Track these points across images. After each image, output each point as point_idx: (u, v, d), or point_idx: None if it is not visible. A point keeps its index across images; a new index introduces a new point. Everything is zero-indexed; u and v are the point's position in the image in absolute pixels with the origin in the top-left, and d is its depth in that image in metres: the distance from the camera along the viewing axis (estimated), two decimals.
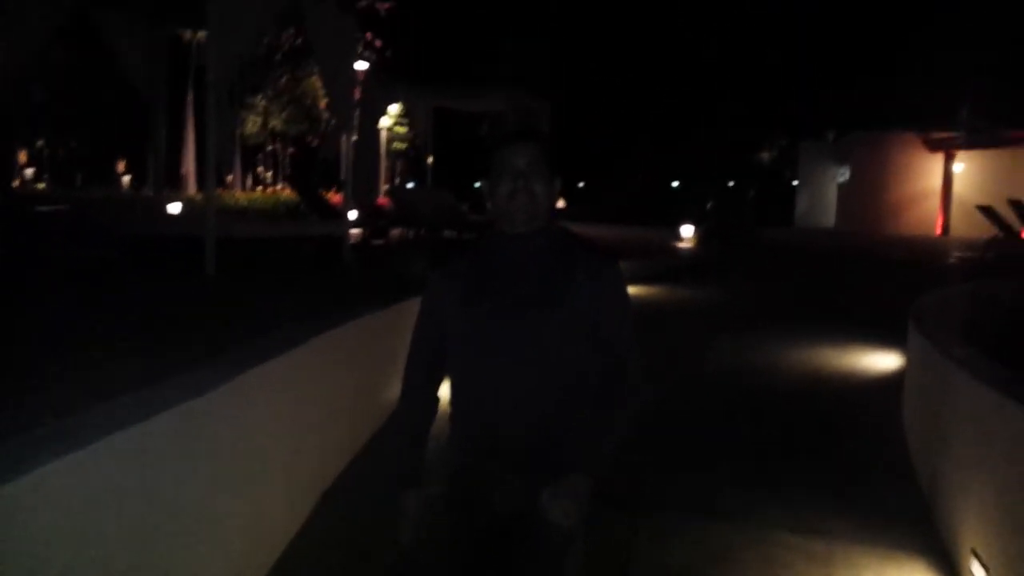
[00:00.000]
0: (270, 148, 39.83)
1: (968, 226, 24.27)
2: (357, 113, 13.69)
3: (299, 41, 27.62)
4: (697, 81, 39.02)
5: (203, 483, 2.80)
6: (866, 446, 5.29)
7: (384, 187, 21.97)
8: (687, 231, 21.42)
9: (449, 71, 34.74)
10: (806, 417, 5.93)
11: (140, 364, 3.76)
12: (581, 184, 48.01)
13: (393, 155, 31.84)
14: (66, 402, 3.05)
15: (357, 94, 13.74)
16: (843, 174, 32.87)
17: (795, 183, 37.77)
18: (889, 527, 3.89)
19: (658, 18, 43.04)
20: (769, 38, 38.53)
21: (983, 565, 3.07)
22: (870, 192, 29.47)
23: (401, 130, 31.42)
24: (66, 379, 3.57)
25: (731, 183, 29.74)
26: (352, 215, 12.48)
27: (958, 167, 27.57)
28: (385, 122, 23.27)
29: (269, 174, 41.33)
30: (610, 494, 2.03)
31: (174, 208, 19.27)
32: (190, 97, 31.13)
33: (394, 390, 5.62)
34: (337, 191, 22.68)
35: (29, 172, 36.24)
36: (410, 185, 28.94)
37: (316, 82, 30.22)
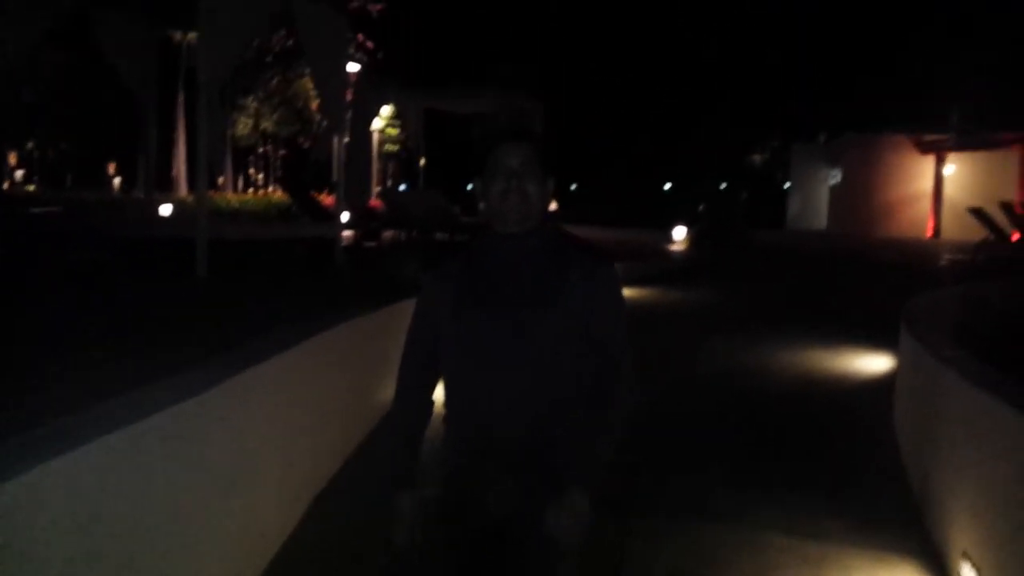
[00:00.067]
0: (261, 150, 39.77)
1: (959, 228, 24.36)
2: (349, 115, 13.67)
3: (290, 43, 27.61)
4: (691, 83, 39.13)
5: (196, 485, 2.79)
6: (858, 448, 5.30)
7: (376, 189, 21.95)
8: (679, 233, 21.47)
9: (441, 73, 34.77)
10: (798, 419, 5.94)
11: (132, 366, 3.75)
12: (574, 186, 48.08)
13: (385, 157, 31.83)
14: (59, 403, 3.04)
15: (349, 96, 13.73)
16: (835, 176, 32.98)
17: (787, 185, 37.90)
18: (881, 529, 3.91)
19: (653, 19, 43.17)
20: (761, 41, 38.67)
21: (974, 567, 3.09)
22: (862, 194, 29.58)
23: (393, 132, 31.42)
24: (59, 380, 3.55)
25: (723, 185, 29.82)
26: (344, 217, 12.45)
27: (949, 169, 27.69)
28: (377, 124, 23.26)
29: (260, 176, 41.25)
30: (603, 496, 2.03)
31: (165, 210, 19.23)
32: (181, 99, 31.11)
33: (386, 392, 5.63)
34: (329, 193, 22.64)
35: (19, 174, 36.10)
36: (402, 187, 28.94)
37: (307, 84, 30.23)
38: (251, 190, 37.83)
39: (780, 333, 9.03)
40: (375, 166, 23.19)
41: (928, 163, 28.23)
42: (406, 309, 5.98)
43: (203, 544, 2.87)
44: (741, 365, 7.62)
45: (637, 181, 44.58)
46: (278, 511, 3.67)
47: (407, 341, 2.15)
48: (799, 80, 38.20)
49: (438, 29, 37.63)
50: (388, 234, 15.84)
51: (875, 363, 7.57)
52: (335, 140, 12.08)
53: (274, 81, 31.88)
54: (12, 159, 39.09)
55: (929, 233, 27.62)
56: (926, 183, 28.21)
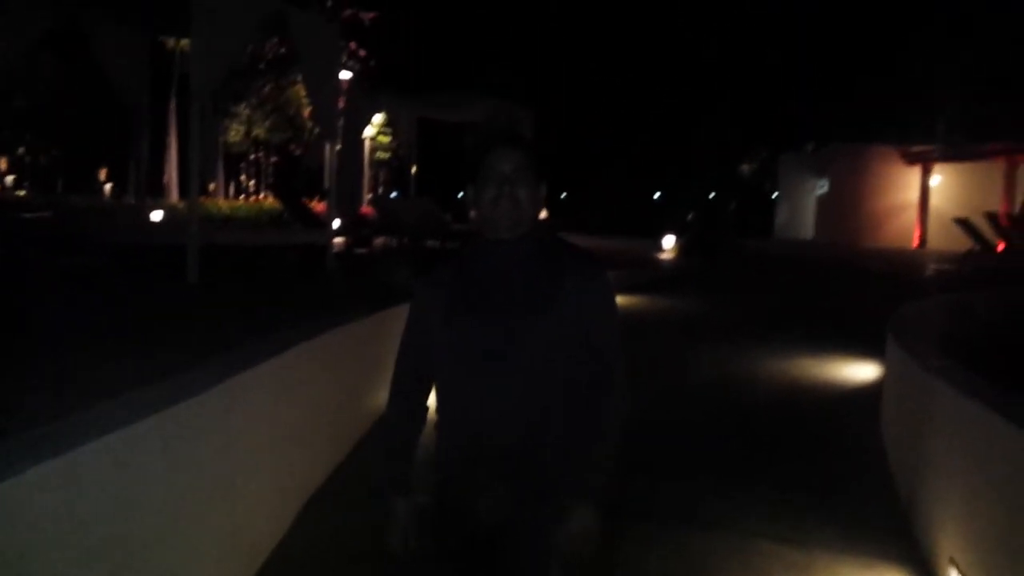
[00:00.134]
0: (253, 157, 39.69)
1: (945, 239, 24.54)
2: (341, 122, 13.69)
3: (283, 50, 27.61)
4: (682, 90, 39.30)
5: (189, 488, 2.80)
6: (845, 456, 5.34)
7: (367, 196, 21.95)
8: (668, 242, 21.54)
9: (433, 81, 34.82)
10: (787, 427, 5.98)
11: (125, 370, 3.76)
12: (564, 195, 48.15)
13: (376, 164, 31.83)
14: (53, 405, 3.05)
15: (341, 103, 13.75)
16: (822, 186, 33.17)
17: (775, 195, 38.09)
18: (868, 536, 3.94)
19: (644, 26, 43.35)
20: (759, 42, 38.91)
21: (961, 573, 3.13)
22: (848, 204, 29.74)
23: (384, 140, 31.45)
24: (52, 383, 3.56)
25: (712, 195, 29.94)
26: (335, 224, 12.46)
27: (935, 180, 27.89)
28: (369, 132, 23.27)
29: (252, 183, 41.16)
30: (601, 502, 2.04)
31: (156, 216, 19.17)
32: (172, 105, 31.06)
33: (378, 397, 5.65)
34: (320, 200, 22.63)
35: (9, 179, 35.92)
36: (393, 194, 28.94)
37: (300, 91, 30.21)
38: (242, 197, 37.73)
39: (768, 341, 9.08)
40: (366, 173, 23.18)
41: (914, 174, 28.42)
42: (398, 315, 6.03)
43: (196, 546, 2.89)
44: (730, 373, 7.66)
45: (627, 190, 44.70)
46: (271, 515, 3.68)
47: (400, 347, 2.15)
48: (798, 81, 38.39)
49: (431, 38, 37.70)
50: (379, 241, 15.85)
51: (862, 371, 7.62)
52: (327, 147, 12.09)
53: (266, 88, 31.86)
54: (3, 164, 38.91)
55: (915, 243, 27.80)
56: (912, 193, 28.40)
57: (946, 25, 26.38)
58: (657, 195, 45.91)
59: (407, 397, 2.13)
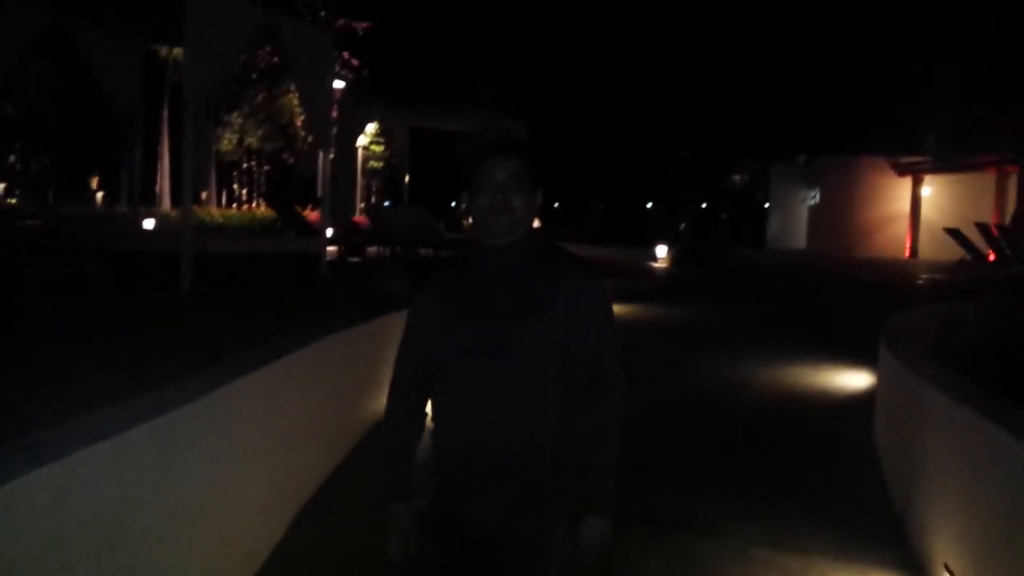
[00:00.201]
0: (245, 166, 39.66)
1: (936, 249, 24.65)
2: (334, 131, 13.71)
3: (275, 59, 27.62)
4: (678, 97, 39.46)
5: (181, 495, 2.79)
6: (839, 463, 5.36)
7: (360, 205, 21.95)
8: (661, 251, 21.60)
9: (426, 91, 34.87)
10: (780, 434, 5.99)
11: (118, 378, 3.75)
12: (556, 204, 48.25)
13: (369, 173, 31.83)
14: (46, 413, 3.04)
15: (335, 113, 13.77)
16: (813, 197, 33.35)
17: (767, 205, 38.26)
18: (863, 542, 3.95)
19: (641, 31, 43.54)
20: (749, 53, 39.12)
21: None
22: (840, 215, 29.90)
23: (377, 149, 31.46)
24: (45, 391, 3.54)
25: (704, 205, 30.01)
26: (329, 232, 12.46)
27: (926, 191, 28.05)
28: (361, 141, 23.29)
29: (244, 191, 41.12)
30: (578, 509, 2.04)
31: (149, 224, 19.12)
32: (165, 114, 31.04)
33: (372, 404, 5.64)
34: (313, 209, 22.63)
35: (0, 188, 35.81)
36: (386, 203, 28.95)
37: (292, 100, 30.21)
38: (235, 205, 37.68)
39: (762, 350, 9.10)
40: (359, 182, 23.20)
41: (905, 185, 28.59)
42: (391, 323, 6.04)
43: (190, 553, 2.87)
44: (724, 381, 7.67)
45: (620, 199, 44.82)
46: (265, 521, 3.67)
47: (398, 353, 2.15)
48: (797, 82, 38.55)
49: (424, 48, 37.77)
50: (372, 249, 15.85)
51: (855, 380, 7.64)
52: (320, 156, 12.10)
53: (259, 97, 31.85)
54: None
55: (907, 253, 27.93)
56: (903, 204, 28.56)
57: (940, 32, 26.57)
58: (649, 205, 46.03)
59: (406, 401, 2.13)
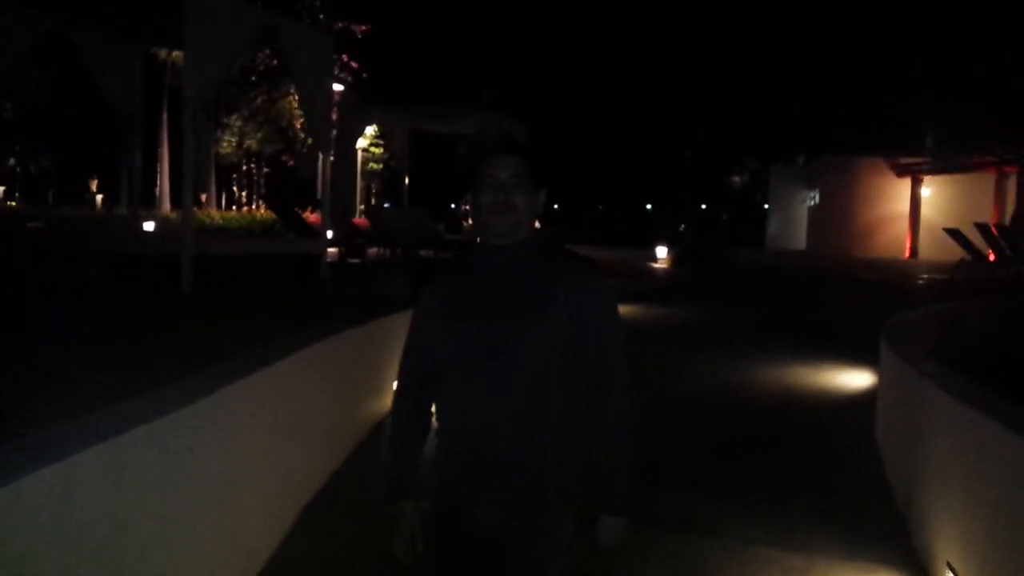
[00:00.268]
0: (245, 168, 39.68)
1: (936, 249, 24.67)
2: (334, 134, 13.71)
3: (274, 62, 27.65)
4: (678, 96, 39.57)
5: (184, 496, 2.79)
6: (841, 461, 5.36)
7: (360, 207, 21.96)
8: (662, 252, 21.61)
9: (425, 92, 34.90)
10: (781, 433, 5.99)
11: (120, 379, 3.75)
12: (556, 205, 48.29)
13: (369, 175, 31.86)
14: (47, 414, 3.04)
15: (334, 115, 13.78)
16: (813, 197, 33.38)
17: (766, 206, 38.29)
18: (865, 540, 3.95)
19: (635, 41, 43.60)
20: (749, 53, 39.21)
21: None
22: (839, 215, 29.93)
23: (377, 151, 31.49)
24: (46, 392, 3.54)
25: (704, 206, 30.04)
26: (329, 234, 12.46)
27: (926, 191, 28.08)
28: (361, 143, 23.30)
29: (244, 194, 41.14)
30: (588, 511, 2.04)
31: (149, 226, 19.13)
32: (164, 116, 31.08)
33: (373, 404, 5.64)
34: (313, 211, 22.64)
35: (0, 190, 35.81)
36: (386, 205, 28.97)
37: (292, 102, 30.25)
38: (234, 208, 37.71)
39: (762, 350, 9.09)
40: (359, 184, 23.21)
41: (904, 185, 28.61)
42: (391, 323, 6.03)
43: (192, 554, 2.87)
44: (724, 381, 7.67)
45: (619, 200, 44.86)
46: (266, 522, 3.67)
47: (404, 354, 2.15)
48: (797, 81, 38.70)
49: (423, 50, 37.82)
50: (372, 251, 15.86)
51: (856, 379, 7.64)
52: (320, 158, 12.10)
53: (258, 100, 31.89)
54: None
55: (907, 254, 27.95)
56: (903, 204, 28.59)
57: (940, 32, 26.61)
58: (649, 206, 46.10)
59: (411, 401, 2.13)
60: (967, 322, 9.09)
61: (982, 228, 18.80)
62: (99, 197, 35.82)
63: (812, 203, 33.52)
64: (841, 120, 33.54)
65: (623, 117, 43.16)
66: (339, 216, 14.66)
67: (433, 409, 2.14)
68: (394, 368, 6.06)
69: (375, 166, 32.51)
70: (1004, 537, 2.80)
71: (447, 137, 22.12)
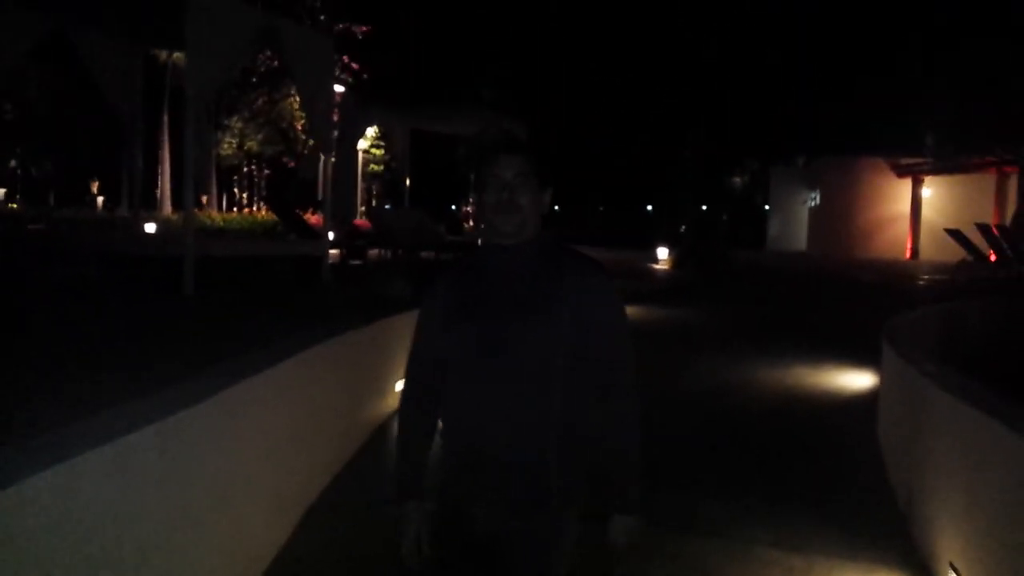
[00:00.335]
0: (246, 170, 39.71)
1: (936, 250, 24.69)
2: (335, 135, 13.72)
3: (275, 64, 27.67)
4: (679, 96, 39.59)
5: (188, 497, 2.79)
6: (842, 462, 5.36)
7: (361, 209, 21.97)
8: (662, 253, 21.63)
9: (426, 93, 34.91)
10: (783, 433, 5.99)
11: (123, 380, 3.75)
12: (556, 207, 48.26)
13: (370, 177, 31.88)
14: (50, 415, 3.04)
15: (335, 116, 13.78)
16: (813, 198, 33.39)
17: (767, 207, 38.29)
18: (867, 541, 3.95)
19: (635, 41, 43.63)
20: (749, 53, 39.23)
21: None
22: (840, 216, 29.95)
23: (378, 152, 31.50)
24: (50, 392, 3.55)
25: (704, 207, 30.05)
26: (330, 236, 12.48)
27: (926, 192, 28.09)
28: (362, 144, 23.30)
29: (245, 195, 41.18)
30: (593, 511, 2.04)
31: (150, 228, 19.15)
32: (165, 118, 31.11)
33: (376, 405, 5.64)
34: (314, 212, 22.65)
35: (0, 192, 35.83)
36: (387, 207, 28.97)
37: (292, 104, 30.27)
38: (235, 209, 37.74)
39: (763, 351, 9.10)
40: (360, 186, 23.22)
41: (905, 186, 28.63)
42: (393, 325, 6.04)
43: (195, 556, 2.87)
44: (725, 382, 7.67)
45: (620, 201, 44.86)
46: (270, 524, 3.67)
47: (409, 355, 2.14)
48: (797, 81, 38.73)
49: (423, 49, 37.83)
50: (373, 252, 15.87)
51: (857, 380, 7.64)
52: (322, 160, 12.11)
53: (259, 101, 31.91)
54: None
55: (907, 254, 27.95)
56: (903, 205, 28.61)
57: (940, 32, 26.61)
58: (649, 207, 46.09)
59: (416, 403, 2.12)
60: (968, 322, 9.10)
61: (983, 228, 18.82)
62: (100, 199, 35.85)
63: (812, 204, 33.53)
64: (841, 120, 33.58)
65: (623, 117, 43.18)
66: (340, 217, 14.66)
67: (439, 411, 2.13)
68: (396, 369, 6.07)
69: (376, 167, 32.52)
70: (1007, 536, 2.80)
71: (448, 138, 22.14)
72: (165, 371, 3.96)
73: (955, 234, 18.86)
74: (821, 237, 31.39)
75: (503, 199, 1.98)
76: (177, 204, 29.90)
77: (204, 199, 30.02)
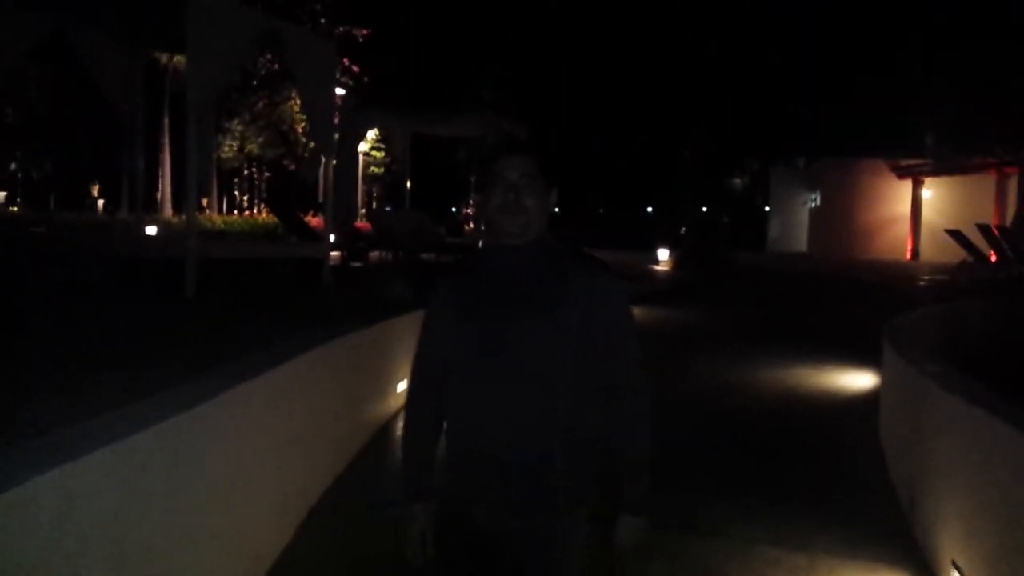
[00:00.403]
0: (246, 172, 39.77)
1: (937, 251, 24.70)
2: (336, 137, 13.73)
3: (276, 67, 27.72)
4: (679, 96, 39.58)
5: (189, 499, 2.79)
6: (843, 462, 5.36)
7: (362, 211, 21.99)
8: (663, 254, 21.65)
9: (426, 94, 34.94)
10: (784, 433, 5.99)
11: (126, 382, 3.76)
12: (556, 209, 48.20)
13: (370, 179, 31.92)
14: (53, 416, 3.05)
15: (336, 118, 13.79)
16: (813, 199, 33.41)
17: (767, 208, 38.31)
18: (870, 539, 3.95)
19: (635, 41, 43.65)
20: (749, 53, 39.25)
21: None
22: (840, 217, 29.97)
23: (378, 155, 31.55)
24: (53, 394, 3.55)
25: (705, 208, 30.07)
26: (331, 237, 12.49)
27: (926, 193, 28.11)
28: (362, 147, 23.33)
29: (245, 198, 41.22)
30: (602, 512, 2.04)
31: (151, 230, 19.18)
32: (166, 121, 31.15)
33: (377, 407, 5.65)
34: (315, 214, 22.66)
35: (1, 196, 35.87)
36: (387, 208, 29.01)
37: (293, 107, 30.32)
38: (236, 212, 37.78)
39: (764, 351, 9.10)
40: (360, 188, 23.25)
41: (905, 187, 28.65)
42: (394, 327, 6.03)
43: (197, 558, 2.87)
44: (726, 382, 7.67)
45: (620, 203, 44.84)
46: (272, 525, 3.67)
47: (415, 356, 2.14)
48: (797, 81, 38.72)
49: (423, 50, 37.84)
50: (374, 254, 15.89)
51: (858, 380, 7.64)
52: (323, 162, 12.12)
53: (260, 104, 31.96)
54: None
55: (908, 255, 27.96)
56: (904, 206, 28.63)
57: (940, 32, 26.64)
58: (650, 208, 46.11)
59: (422, 404, 2.12)
60: (969, 323, 9.10)
61: (983, 229, 18.81)
62: (100, 202, 35.90)
63: (813, 205, 33.55)
64: (841, 121, 33.59)
65: (623, 118, 43.13)
66: (341, 220, 14.67)
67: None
68: (397, 371, 6.07)
69: (376, 170, 32.58)
70: (1009, 535, 2.80)
71: (448, 141, 22.16)
72: (166, 373, 3.97)
73: (955, 235, 18.86)
74: (821, 238, 31.41)
75: (509, 200, 1.97)
76: (177, 207, 29.96)
77: (205, 202, 30.08)
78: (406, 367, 2.16)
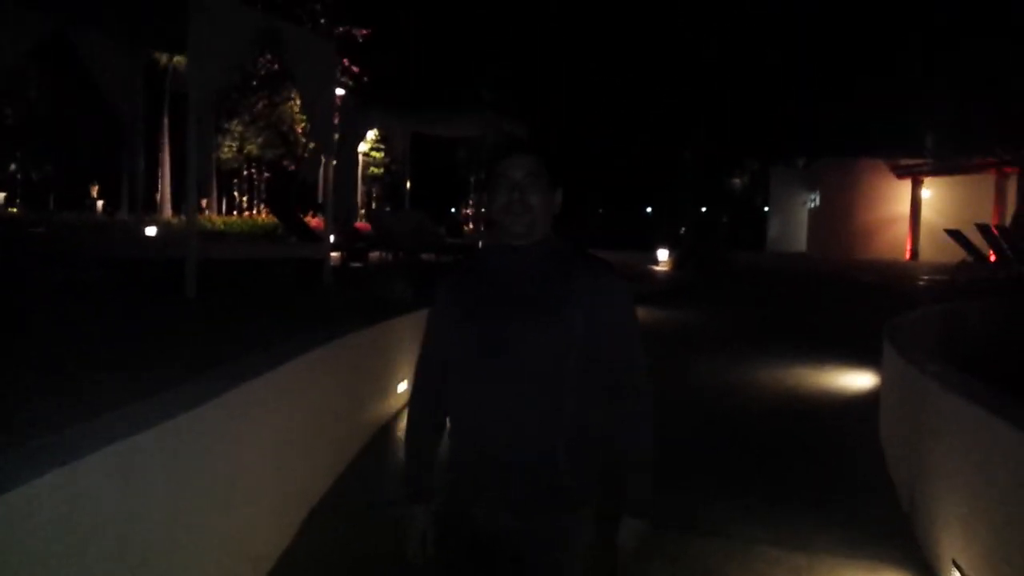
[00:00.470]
0: (246, 173, 39.77)
1: (936, 251, 24.71)
2: (336, 138, 13.73)
3: (275, 67, 27.72)
4: (678, 97, 39.53)
5: (190, 499, 2.79)
6: (844, 461, 5.36)
7: (361, 211, 21.99)
8: (663, 254, 21.67)
9: (426, 94, 34.94)
10: (783, 434, 5.99)
11: (127, 382, 3.76)
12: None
13: (370, 179, 31.93)
14: (52, 417, 3.05)
15: (336, 119, 13.80)
16: (813, 199, 33.42)
17: (766, 209, 38.31)
18: (870, 539, 3.95)
19: (635, 41, 43.64)
20: (749, 53, 39.23)
21: (963, 575, 3.14)
22: (840, 217, 29.98)
23: (378, 155, 31.56)
24: (53, 394, 3.55)
25: (704, 208, 30.08)
26: (331, 238, 12.49)
27: (926, 193, 28.11)
28: (362, 147, 23.33)
29: (245, 199, 41.23)
30: (607, 512, 2.04)
31: (151, 231, 19.18)
32: (165, 121, 31.15)
33: (378, 407, 5.64)
34: (314, 215, 22.66)
35: (1, 196, 35.89)
36: (388, 209, 29.02)
37: (293, 107, 30.33)
38: (235, 212, 37.79)
39: (763, 351, 9.10)
40: (360, 189, 23.25)
41: (905, 187, 28.65)
42: (394, 327, 6.03)
43: (198, 558, 2.87)
44: (726, 382, 7.67)
45: (620, 203, 44.82)
46: (273, 526, 3.67)
47: (419, 356, 2.14)
48: (797, 81, 38.67)
49: (423, 50, 37.84)
50: (374, 255, 15.89)
51: (858, 380, 7.65)
52: (323, 162, 12.13)
53: (259, 105, 31.97)
54: None
55: (907, 255, 27.97)
56: (903, 206, 28.63)
57: (940, 32, 26.66)
58: (649, 208, 46.12)
59: (424, 404, 2.12)
60: (968, 323, 9.10)
61: (983, 229, 18.82)
62: (100, 203, 35.90)
63: (812, 205, 33.56)
64: (841, 121, 33.58)
65: (623, 118, 43.09)
66: (341, 220, 14.68)
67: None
68: (397, 371, 6.07)
69: (376, 170, 32.59)
70: (1010, 534, 2.81)
71: (448, 141, 22.17)
72: (166, 373, 3.97)
73: (955, 235, 18.87)
74: (821, 238, 31.42)
75: (513, 199, 1.96)
76: (177, 207, 29.97)
77: (204, 202, 30.09)
78: (406, 367, 2.17)
